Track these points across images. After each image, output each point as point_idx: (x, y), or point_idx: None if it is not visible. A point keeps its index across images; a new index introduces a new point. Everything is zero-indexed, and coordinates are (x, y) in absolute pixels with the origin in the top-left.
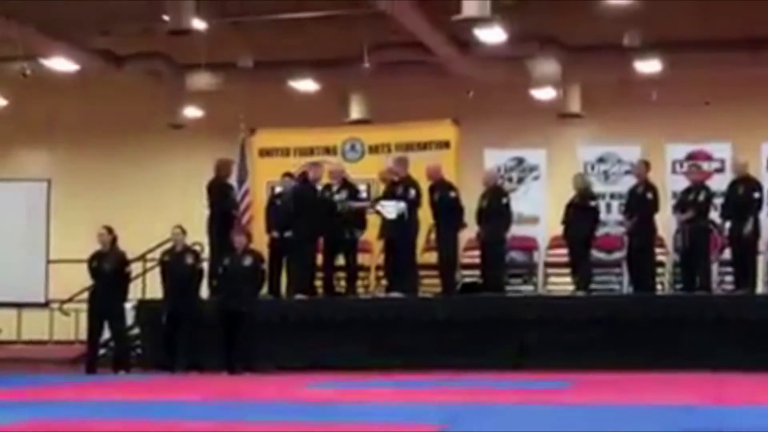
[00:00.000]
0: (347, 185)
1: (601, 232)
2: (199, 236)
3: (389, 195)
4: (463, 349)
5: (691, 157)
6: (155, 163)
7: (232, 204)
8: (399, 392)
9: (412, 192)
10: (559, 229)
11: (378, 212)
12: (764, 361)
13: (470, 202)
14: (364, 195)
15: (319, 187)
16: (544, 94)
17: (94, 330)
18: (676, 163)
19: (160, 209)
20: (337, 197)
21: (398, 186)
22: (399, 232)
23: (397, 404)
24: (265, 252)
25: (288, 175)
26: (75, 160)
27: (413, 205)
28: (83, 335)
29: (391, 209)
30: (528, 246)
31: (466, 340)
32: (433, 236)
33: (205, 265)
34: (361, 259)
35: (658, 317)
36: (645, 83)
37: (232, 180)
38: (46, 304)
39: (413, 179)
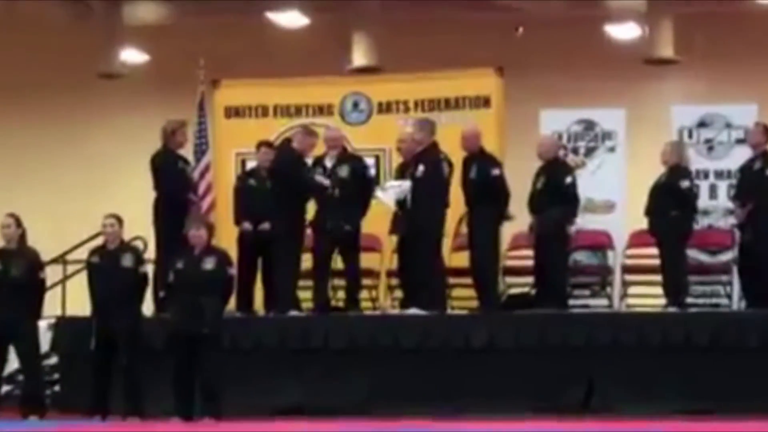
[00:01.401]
0: (348, 158)
1: (701, 224)
2: (141, 229)
3: (406, 173)
4: (509, 387)
5: None
6: (80, 127)
7: (185, 184)
8: None
9: (420, 169)
10: (643, 221)
11: (377, 198)
12: None
13: (519, 182)
14: (372, 171)
15: (309, 161)
16: (624, 31)
17: None
18: None
19: (88, 192)
20: (318, 178)
21: (414, 160)
22: (414, 225)
23: None
24: (233, 251)
25: (265, 144)
26: None
27: (422, 187)
28: None
29: (390, 193)
30: (600, 244)
31: (512, 374)
32: (465, 229)
33: (150, 269)
34: (367, 261)
35: None
36: (765, 16)
37: (187, 151)
38: None
39: (435, 153)
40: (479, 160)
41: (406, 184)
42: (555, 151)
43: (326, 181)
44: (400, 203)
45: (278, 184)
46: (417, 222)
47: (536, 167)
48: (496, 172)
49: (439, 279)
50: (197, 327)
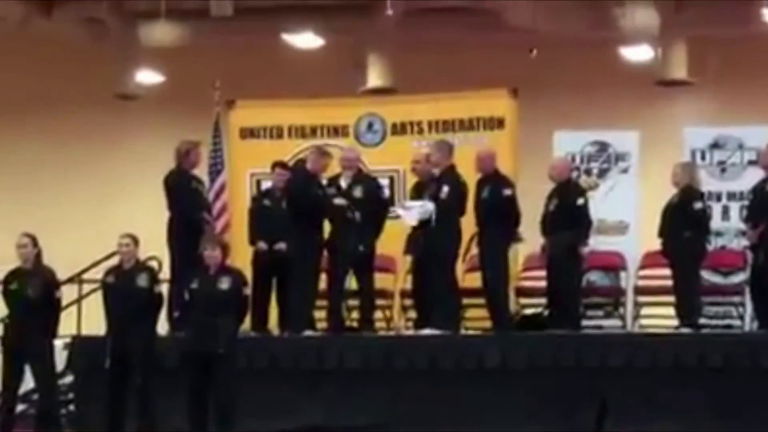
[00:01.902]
0: (363, 179)
1: (714, 246)
2: (156, 249)
3: (423, 194)
4: (522, 408)
5: None
6: (97, 147)
7: (200, 205)
8: None
9: (445, 189)
10: (656, 242)
11: (398, 216)
12: None
13: (533, 203)
14: (386, 193)
15: (324, 181)
16: (637, 53)
17: (10, 377)
18: None
19: (104, 212)
20: (337, 201)
21: (435, 181)
22: (431, 245)
23: None
24: (248, 271)
25: (280, 164)
26: None
27: (446, 208)
28: None
29: (413, 213)
30: (613, 265)
31: (525, 395)
32: (474, 250)
33: (165, 289)
34: (381, 281)
35: None
36: None
37: (202, 171)
38: None
39: (455, 174)
40: (492, 181)
41: (430, 205)
42: (567, 173)
43: (344, 202)
44: (424, 223)
45: (293, 205)
46: (435, 242)
47: (550, 188)
48: (508, 192)
49: (453, 299)
50: (212, 346)
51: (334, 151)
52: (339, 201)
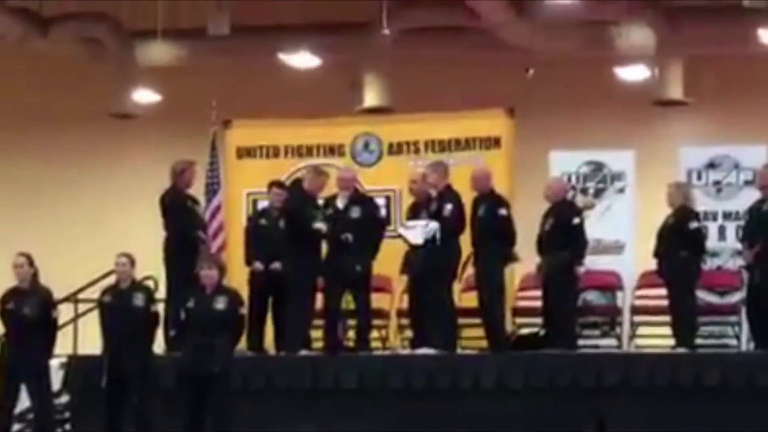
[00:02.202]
0: (360, 199)
1: (710, 265)
2: (153, 268)
3: (421, 213)
4: (519, 427)
5: None
6: (93, 166)
7: (196, 224)
8: None
9: (448, 207)
10: (652, 262)
11: (401, 236)
12: None
13: (529, 222)
14: (383, 212)
15: (320, 201)
16: (633, 73)
17: (6, 397)
18: None
19: (100, 231)
20: (317, 224)
21: (433, 201)
22: (430, 265)
23: None
24: (244, 291)
25: (276, 184)
26: None
27: (450, 226)
28: None
29: (417, 231)
30: (609, 284)
31: (522, 415)
32: (470, 270)
33: (162, 308)
34: (377, 301)
35: None
36: None
37: (198, 191)
38: None
39: (455, 192)
40: (488, 200)
41: (433, 224)
42: (563, 193)
43: (324, 227)
44: (427, 242)
45: (289, 225)
46: (435, 261)
47: (546, 208)
48: (503, 212)
49: (449, 318)
50: (208, 366)
51: (331, 171)
52: (318, 225)
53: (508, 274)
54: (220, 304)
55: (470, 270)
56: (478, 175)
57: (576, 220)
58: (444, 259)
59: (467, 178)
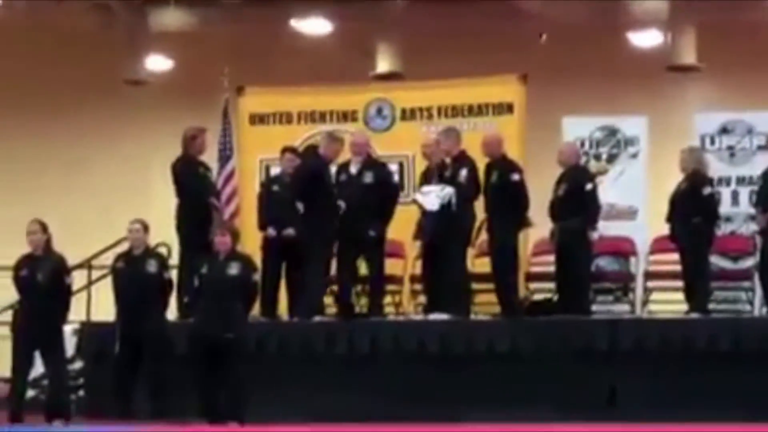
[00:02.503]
0: (373, 164)
1: (723, 231)
2: (166, 235)
3: (433, 179)
4: (532, 392)
5: None
6: (106, 133)
7: (208, 190)
8: None
9: (463, 173)
10: (665, 227)
11: (415, 201)
12: None
13: (542, 189)
14: (396, 178)
15: (334, 168)
16: (646, 39)
17: (20, 363)
18: None
19: (113, 198)
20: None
21: (447, 167)
22: (444, 230)
23: None
24: (257, 257)
25: (289, 150)
26: None
27: (465, 191)
28: (5, 371)
29: (432, 198)
30: (622, 250)
31: (535, 380)
32: (484, 236)
33: (175, 275)
34: (390, 266)
35: None
36: None
37: (211, 158)
38: None
39: (469, 158)
40: (500, 166)
41: (449, 189)
42: (575, 158)
43: (343, 205)
44: (444, 207)
45: (305, 189)
46: (452, 227)
47: (558, 174)
48: (515, 177)
49: (463, 284)
50: (222, 332)
51: (344, 136)
52: (340, 202)
53: (521, 239)
54: (234, 269)
55: (484, 236)
56: (489, 140)
57: (589, 186)
58: (458, 225)
59: (479, 144)
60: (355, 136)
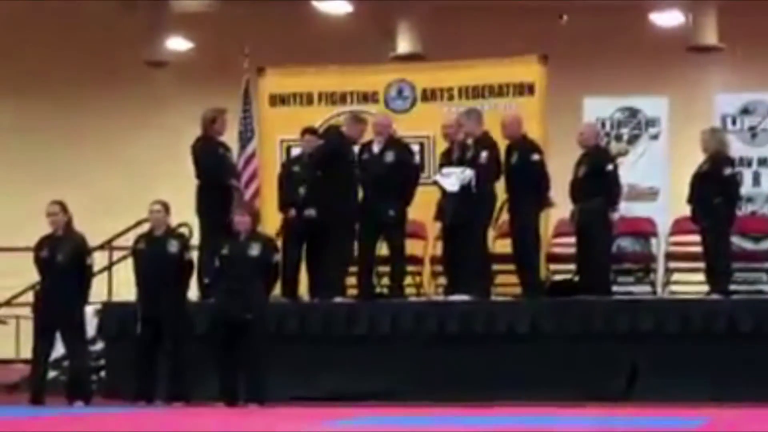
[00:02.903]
0: (395, 144)
1: (744, 211)
2: (187, 215)
3: (454, 160)
4: (552, 373)
5: None
6: (127, 114)
7: (228, 171)
8: None
9: (484, 155)
10: (686, 208)
11: (436, 183)
12: None
13: (562, 169)
14: (417, 159)
15: (356, 149)
16: (667, 19)
17: (41, 344)
18: None
19: (134, 178)
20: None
21: (470, 148)
22: (464, 212)
23: None
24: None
25: (310, 131)
26: (16, 114)
27: (486, 173)
28: (27, 351)
29: (453, 179)
30: (643, 231)
31: (556, 360)
32: (505, 216)
33: (196, 256)
34: (411, 247)
35: None
36: None
37: (232, 139)
38: None
39: (491, 139)
40: (520, 146)
41: (469, 171)
42: (595, 138)
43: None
44: (464, 189)
45: (327, 169)
46: (471, 208)
47: (579, 155)
48: (535, 157)
49: (483, 265)
50: (242, 312)
51: (371, 119)
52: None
53: (543, 220)
54: (254, 250)
55: (505, 216)
56: (508, 121)
57: (609, 167)
58: (479, 206)
59: (499, 126)
60: (378, 116)
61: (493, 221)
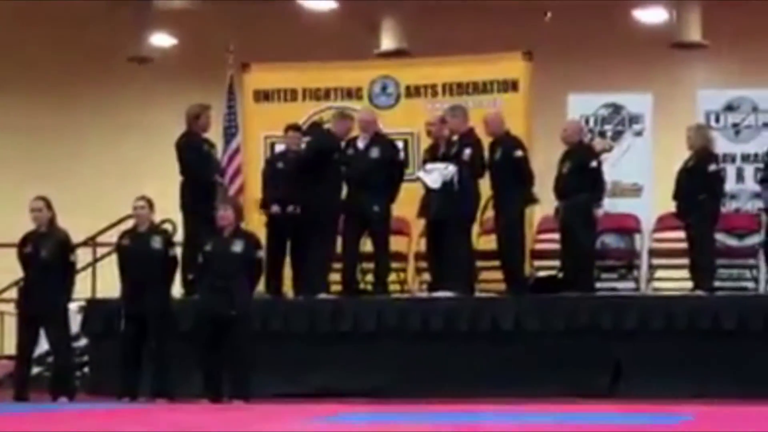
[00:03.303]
0: (380, 141)
1: (728, 208)
2: (171, 212)
3: (438, 156)
4: (536, 369)
5: None
6: (111, 110)
7: (212, 167)
8: (447, 430)
9: (467, 151)
10: (670, 204)
11: (419, 179)
12: None
13: (547, 166)
14: (401, 155)
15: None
16: (651, 15)
17: (25, 340)
18: None
19: (118, 174)
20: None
21: (453, 145)
22: (448, 208)
23: None
24: (261, 234)
25: (294, 127)
26: None
27: (469, 170)
28: (11, 348)
29: (435, 176)
30: (627, 227)
31: (540, 357)
32: (490, 213)
33: (180, 252)
34: (395, 244)
35: None
36: None
37: (216, 135)
38: None
39: (476, 136)
40: (503, 143)
41: (452, 168)
42: (579, 135)
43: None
44: (446, 185)
45: (313, 167)
46: (454, 205)
47: (563, 151)
48: (519, 153)
49: (467, 261)
50: (225, 309)
51: (357, 115)
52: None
53: (527, 217)
54: (237, 247)
55: (490, 213)
56: (490, 119)
57: (593, 163)
58: (462, 203)
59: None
60: (363, 113)
61: (479, 218)
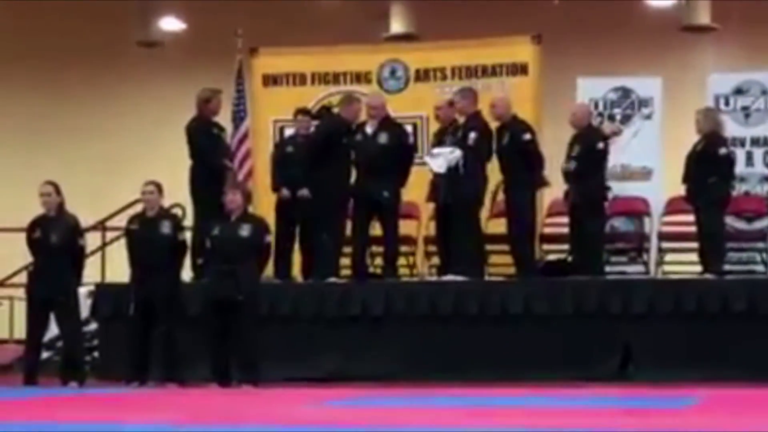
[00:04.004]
0: (389, 125)
1: (738, 191)
2: (180, 196)
3: (445, 140)
4: (545, 353)
5: None
6: (120, 95)
7: (222, 152)
8: (456, 414)
9: (472, 135)
10: (679, 188)
11: (426, 163)
12: None
13: (556, 149)
14: (410, 140)
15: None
16: None
17: (35, 325)
18: None
19: (126, 160)
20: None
21: (460, 128)
22: (457, 192)
23: None
24: (270, 218)
25: (303, 111)
26: (5, 95)
27: (474, 154)
28: (20, 332)
29: (440, 161)
30: (637, 211)
31: (549, 341)
32: (501, 196)
33: (189, 236)
34: (405, 228)
35: None
36: None
37: (225, 119)
38: None
39: (482, 120)
40: (511, 127)
41: (457, 152)
42: (588, 119)
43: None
44: (451, 170)
45: (325, 149)
46: (461, 188)
47: (571, 135)
48: (527, 137)
49: (476, 245)
50: (232, 293)
51: (365, 100)
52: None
53: (537, 200)
54: (245, 231)
55: (501, 196)
56: (497, 103)
57: (601, 147)
58: (469, 187)
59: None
60: (372, 98)
61: (490, 202)
